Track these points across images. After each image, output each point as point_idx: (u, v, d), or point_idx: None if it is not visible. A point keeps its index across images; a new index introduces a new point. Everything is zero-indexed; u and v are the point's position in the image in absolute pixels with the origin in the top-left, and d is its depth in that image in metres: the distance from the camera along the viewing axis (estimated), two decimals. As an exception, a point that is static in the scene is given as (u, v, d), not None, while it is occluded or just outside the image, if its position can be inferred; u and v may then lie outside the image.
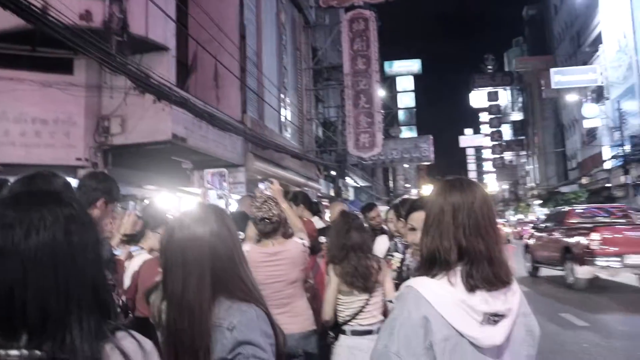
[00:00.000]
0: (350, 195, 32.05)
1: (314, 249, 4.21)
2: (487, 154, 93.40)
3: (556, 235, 13.69)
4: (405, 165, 54.91)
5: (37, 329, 1.02)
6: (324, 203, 19.68)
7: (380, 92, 27.41)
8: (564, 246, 12.70)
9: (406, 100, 62.63)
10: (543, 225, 15.79)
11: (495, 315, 1.64)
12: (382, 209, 7.58)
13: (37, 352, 1.01)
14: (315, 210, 6.25)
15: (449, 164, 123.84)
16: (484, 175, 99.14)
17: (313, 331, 3.76)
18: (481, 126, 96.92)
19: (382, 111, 26.46)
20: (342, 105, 25.99)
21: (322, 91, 28.60)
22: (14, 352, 1.00)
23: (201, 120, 11.61)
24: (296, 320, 3.68)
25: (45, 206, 1.09)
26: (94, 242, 1.15)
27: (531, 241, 15.86)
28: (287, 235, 3.92)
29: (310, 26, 26.38)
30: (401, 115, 61.19)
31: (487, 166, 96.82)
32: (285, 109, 21.20)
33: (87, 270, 1.10)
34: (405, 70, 62.20)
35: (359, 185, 34.64)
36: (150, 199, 5.01)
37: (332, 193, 27.50)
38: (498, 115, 78.74)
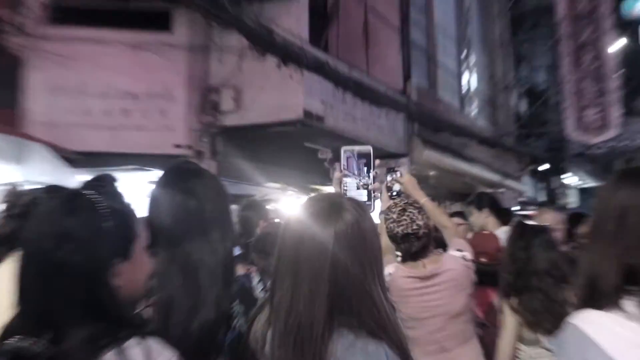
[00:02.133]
0: (572, 200, 30.76)
1: (494, 276, 4.10)
2: None
3: None
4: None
5: (54, 327, 1.56)
6: (529, 212, 19.06)
7: (616, 45, 25.92)
8: None
9: (661, 56, 58.73)
10: None
11: None
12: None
13: (35, 348, 1.51)
14: (506, 219, 6.21)
15: None
16: None
17: None
18: None
19: (619, 73, 25.04)
20: (557, 66, 25.04)
21: (525, 45, 27.84)
22: (33, 346, 1.52)
23: (345, 91, 11.73)
24: None
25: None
26: (86, 258, 1.60)
27: None
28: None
29: (506, -48, 25.78)
30: (653, 80, 57.59)
31: None
32: (469, 73, 20.91)
33: (81, 282, 1.58)
34: (659, 9, 58.21)
35: (585, 186, 33.20)
36: (253, 197, 5.26)
37: (542, 198, 26.63)
38: None
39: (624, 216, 1.68)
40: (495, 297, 4.22)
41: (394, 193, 4.09)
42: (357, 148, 3.11)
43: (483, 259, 4.38)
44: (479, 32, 22.84)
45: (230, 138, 11.13)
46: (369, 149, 3.12)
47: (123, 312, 1.63)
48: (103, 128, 10.29)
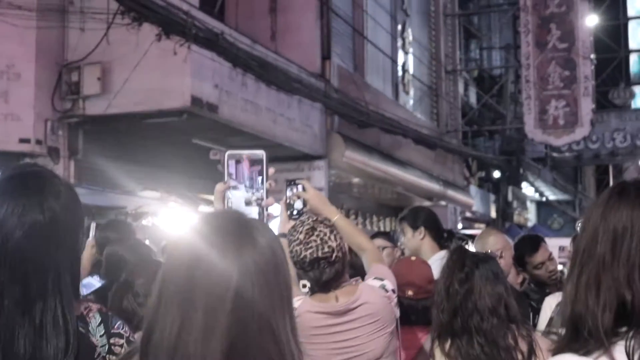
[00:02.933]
0: (530, 216, 31.23)
1: (425, 313, 4.19)
2: None
3: None
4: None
5: None
6: (474, 231, 19.39)
7: (590, 21, 26.65)
8: None
9: (645, 36, 60.58)
10: None
11: None
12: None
13: None
14: (446, 242, 6.31)
15: None
16: None
17: None
18: None
19: (593, 57, 25.74)
20: (515, 47, 25.52)
21: (476, 19, 28.27)
22: None
23: (246, 72, 11.77)
24: None
25: None
26: None
27: None
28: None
29: None
30: (635, 65, 59.32)
31: None
32: (406, 52, 21.12)
33: None
34: (643, -21, 60.20)
35: (545, 199, 33.88)
36: (122, 211, 5.30)
37: (493, 213, 27.00)
38: None
39: (620, 241, 1.72)
40: (426, 340, 4.27)
41: (295, 212, 4.11)
42: (247, 152, 3.12)
43: (410, 292, 4.42)
44: (419, 1, 23.15)
45: (94, 131, 11.02)
46: (261, 154, 3.13)
47: None
48: None
